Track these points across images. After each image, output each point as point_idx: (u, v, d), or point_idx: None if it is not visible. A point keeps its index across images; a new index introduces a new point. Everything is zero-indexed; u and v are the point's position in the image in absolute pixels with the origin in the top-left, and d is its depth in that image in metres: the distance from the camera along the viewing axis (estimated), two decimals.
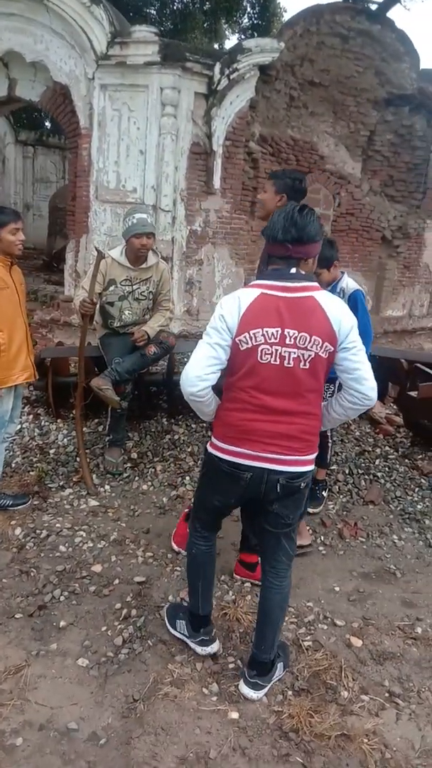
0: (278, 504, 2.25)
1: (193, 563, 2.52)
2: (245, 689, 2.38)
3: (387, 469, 4.49)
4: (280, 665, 2.47)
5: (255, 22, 18.71)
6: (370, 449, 4.75)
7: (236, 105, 7.12)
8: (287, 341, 2.09)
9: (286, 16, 17.42)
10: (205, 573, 2.51)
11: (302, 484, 2.24)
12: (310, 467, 2.26)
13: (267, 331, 2.09)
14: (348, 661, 2.63)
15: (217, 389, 2.26)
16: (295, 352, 2.09)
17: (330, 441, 3.79)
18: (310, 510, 3.63)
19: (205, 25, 18.79)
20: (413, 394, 4.77)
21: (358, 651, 2.70)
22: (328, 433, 3.65)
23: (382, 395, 5.40)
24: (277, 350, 2.09)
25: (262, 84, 7.42)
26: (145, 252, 3.93)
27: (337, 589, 3.13)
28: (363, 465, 4.50)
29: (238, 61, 6.85)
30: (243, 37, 18.00)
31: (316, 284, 2.18)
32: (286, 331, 2.09)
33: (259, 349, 2.10)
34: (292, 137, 8.12)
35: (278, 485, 2.20)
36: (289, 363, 2.10)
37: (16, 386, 3.42)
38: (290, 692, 2.42)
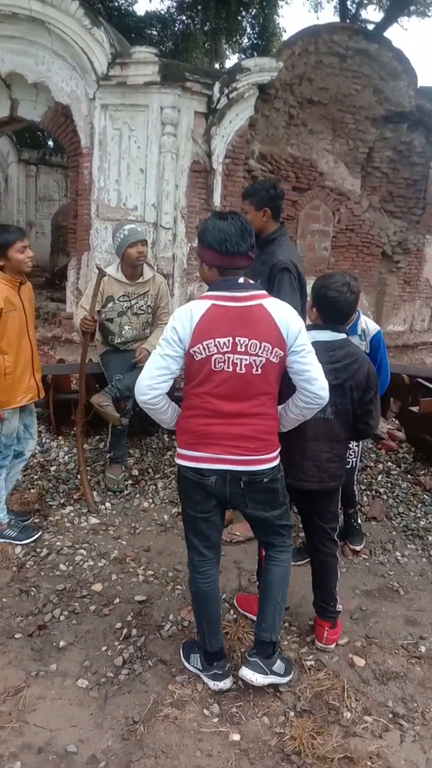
0: (251, 502, 2.35)
1: (196, 601, 2.49)
2: (245, 671, 2.40)
3: (389, 484, 4.47)
4: (280, 663, 2.48)
5: (255, 41, 19.03)
6: (372, 465, 4.73)
7: (236, 123, 7.21)
8: (238, 348, 2.18)
9: (285, 36, 17.65)
10: (209, 610, 2.47)
11: (265, 479, 2.32)
12: (269, 465, 2.33)
13: (219, 341, 2.17)
14: (351, 681, 2.59)
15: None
16: (246, 359, 2.19)
17: (356, 492, 3.64)
18: (359, 548, 3.58)
19: (205, 45, 19.10)
20: (415, 409, 4.76)
21: (361, 670, 2.66)
22: (354, 488, 3.56)
23: (383, 410, 5.39)
24: (229, 358, 2.19)
25: (261, 102, 7.52)
26: (143, 260, 3.95)
27: (339, 607, 3.09)
28: (365, 481, 4.48)
29: (238, 80, 6.96)
30: (243, 56, 18.27)
31: (263, 292, 2.28)
32: (237, 339, 2.18)
33: (213, 358, 2.19)
34: (291, 155, 8.20)
35: (241, 482, 2.29)
36: (241, 369, 2.20)
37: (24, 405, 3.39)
38: (292, 713, 2.39)
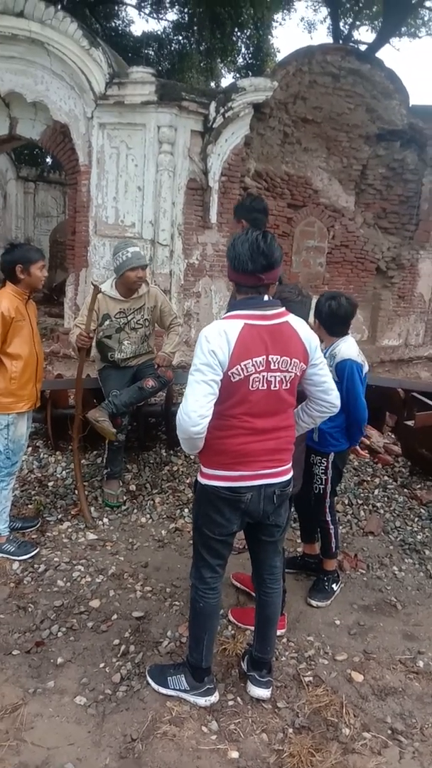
0: (273, 515, 2.37)
1: (200, 617, 2.46)
2: (260, 691, 2.49)
3: (386, 499, 4.48)
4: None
5: (249, 61, 19.32)
6: (368, 479, 4.74)
7: (231, 142, 7.31)
8: (272, 366, 2.20)
9: (279, 56, 17.96)
10: (212, 626, 2.48)
11: (290, 490, 2.40)
12: (291, 473, 2.40)
13: (255, 361, 2.17)
14: (349, 696, 2.59)
15: None
16: (279, 376, 2.22)
17: (331, 527, 3.25)
18: (315, 603, 3.18)
19: (201, 64, 19.38)
20: (410, 423, 4.79)
21: (360, 686, 2.66)
22: (328, 518, 3.24)
23: (379, 425, 5.41)
24: (264, 376, 2.19)
25: (256, 121, 7.63)
26: (140, 285, 3.99)
27: (337, 622, 3.10)
28: (362, 495, 4.49)
29: (233, 99, 7.07)
30: (238, 76, 18.53)
31: (284, 308, 2.30)
32: (271, 357, 2.19)
33: (251, 378, 2.17)
34: (286, 172, 8.31)
35: (274, 497, 2.32)
36: (275, 386, 2.22)
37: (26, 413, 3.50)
38: (291, 730, 2.38)
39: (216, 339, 2.13)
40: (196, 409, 2.11)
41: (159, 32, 19.54)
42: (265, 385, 2.19)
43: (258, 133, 7.84)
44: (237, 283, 2.29)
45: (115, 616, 2.98)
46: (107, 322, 4.01)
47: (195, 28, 18.22)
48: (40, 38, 6.74)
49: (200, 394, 2.12)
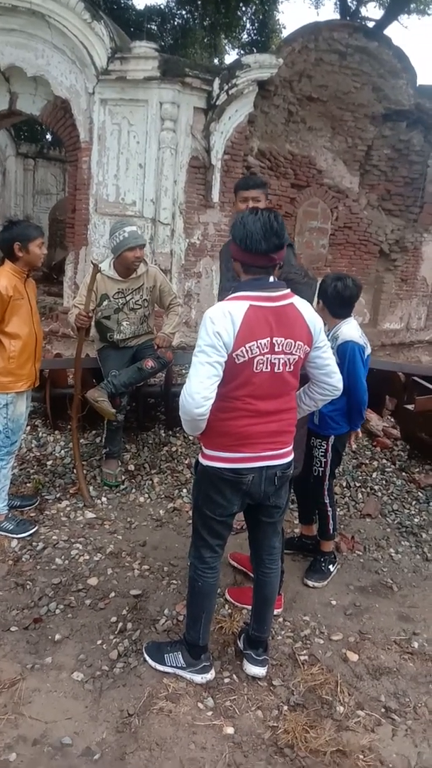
0: (274, 497, 2.38)
1: (198, 595, 2.47)
2: (256, 669, 2.53)
3: (384, 482, 4.50)
4: None
5: (254, 38, 18.96)
6: (367, 462, 4.75)
7: (235, 120, 7.20)
8: (276, 349, 2.18)
9: (285, 33, 17.61)
10: (210, 604, 2.50)
11: (289, 470, 2.39)
12: (292, 455, 2.40)
13: (260, 343, 2.14)
14: (344, 675, 2.62)
15: None
16: (283, 358, 2.20)
17: (329, 509, 3.28)
18: (311, 583, 3.21)
19: (205, 40, 19.02)
20: (410, 407, 4.79)
21: (354, 666, 2.69)
22: (326, 501, 3.26)
23: (379, 408, 5.41)
24: (268, 358, 2.17)
25: (260, 99, 7.51)
26: (138, 264, 3.96)
27: (333, 603, 3.12)
28: (360, 478, 4.50)
29: (237, 76, 6.94)
30: (242, 52, 18.22)
31: (289, 290, 2.26)
32: (275, 339, 2.17)
33: (254, 360, 2.15)
34: (290, 151, 8.20)
35: (276, 479, 2.32)
36: (278, 369, 2.20)
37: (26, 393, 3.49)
38: (286, 707, 2.41)
39: (221, 320, 2.10)
40: (199, 391, 2.09)
41: (162, 6, 19.13)
42: (269, 367, 2.18)
43: (262, 111, 7.71)
44: (244, 263, 2.22)
45: (112, 594, 3.00)
46: (105, 303, 3.98)
47: (199, 2, 17.84)
48: (41, 10, 6.59)
49: (204, 375, 2.10)
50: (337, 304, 3.08)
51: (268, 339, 2.15)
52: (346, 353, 3.00)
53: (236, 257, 2.25)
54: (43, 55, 6.99)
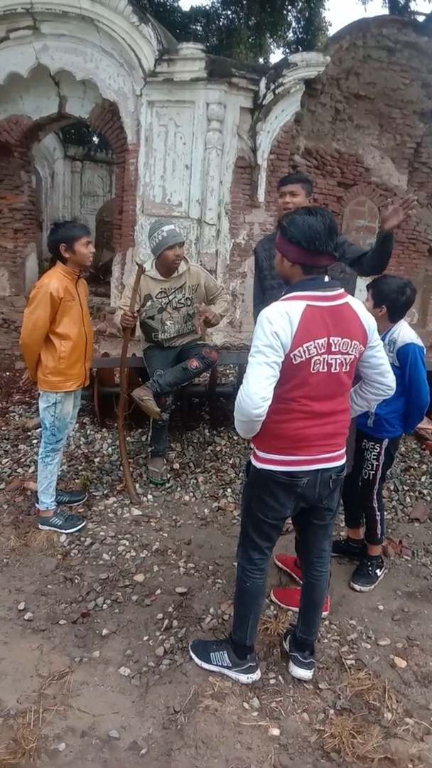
0: (327, 499, 2.36)
1: (246, 596, 2.47)
2: (302, 671, 2.52)
3: None
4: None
5: (300, 36, 18.82)
6: (416, 465, 4.65)
7: (281, 119, 7.16)
8: (333, 349, 2.15)
9: (331, 30, 17.44)
10: (258, 605, 2.50)
11: (343, 472, 2.37)
12: (346, 457, 2.38)
13: (317, 343, 2.11)
14: (392, 681, 2.57)
15: None
16: (339, 358, 2.17)
17: (378, 513, 3.23)
18: (358, 587, 3.17)
19: (250, 40, 19.00)
20: None
21: (402, 672, 2.63)
22: (375, 504, 3.22)
23: (428, 411, 5.28)
24: (324, 359, 2.14)
25: (307, 98, 7.44)
26: (178, 263, 3.98)
27: (381, 607, 3.07)
28: (408, 481, 4.41)
29: (284, 75, 6.90)
30: (288, 51, 18.11)
31: (343, 290, 2.24)
32: (332, 339, 2.14)
33: (312, 360, 2.12)
34: (337, 150, 8.10)
35: (330, 481, 2.30)
36: (335, 369, 2.17)
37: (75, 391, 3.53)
38: (332, 711, 2.38)
39: (278, 320, 2.08)
40: (258, 391, 2.06)
41: (207, 7, 19.21)
42: (326, 367, 2.14)
43: (308, 110, 7.65)
44: (306, 264, 2.17)
45: (158, 591, 3.03)
46: (149, 303, 4.03)
47: (244, 2, 17.85)
48: (90, 15, 6.71)
49: (262, 376, 2.07)
50: (402, 310, 3.00)
51: (325, 339, 2.12)
52: (407, 356, 2.94)
53: (296, 259, 2.17)
54: (92, 59, 7.11)
